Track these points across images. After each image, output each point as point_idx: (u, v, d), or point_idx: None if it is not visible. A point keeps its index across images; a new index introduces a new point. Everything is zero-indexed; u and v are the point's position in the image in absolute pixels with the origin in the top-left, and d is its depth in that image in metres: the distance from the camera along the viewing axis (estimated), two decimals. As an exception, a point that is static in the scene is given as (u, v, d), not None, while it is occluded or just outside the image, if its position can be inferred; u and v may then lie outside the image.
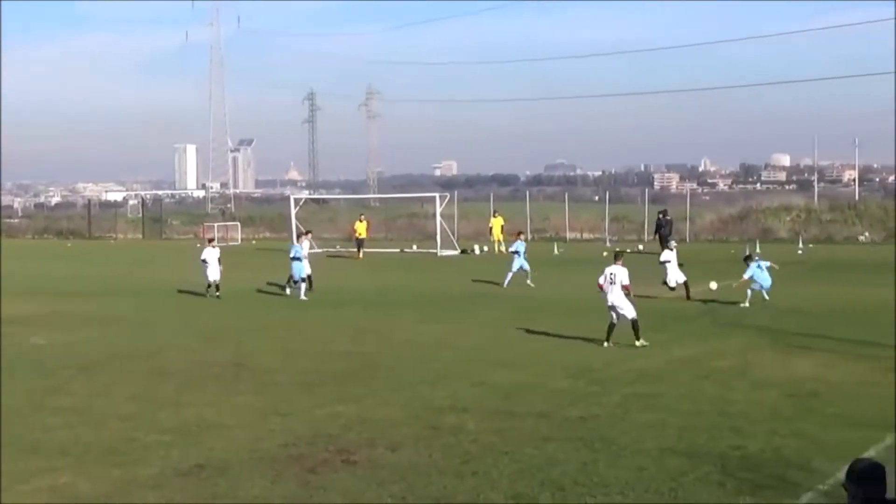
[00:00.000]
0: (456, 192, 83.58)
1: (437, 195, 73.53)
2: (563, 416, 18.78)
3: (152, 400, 20.59)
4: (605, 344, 26.68)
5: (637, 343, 26.53)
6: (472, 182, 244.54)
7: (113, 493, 14.34)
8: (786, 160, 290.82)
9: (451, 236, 68.67)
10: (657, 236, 63.56)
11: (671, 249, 38.28)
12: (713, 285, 35.95)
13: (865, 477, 7.34)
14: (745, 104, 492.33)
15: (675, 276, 37.26)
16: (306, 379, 22.68)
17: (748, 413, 18.96)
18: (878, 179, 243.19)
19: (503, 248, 64.86)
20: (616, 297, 26.96)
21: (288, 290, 39.28)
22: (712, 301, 36.12)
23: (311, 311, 35.80)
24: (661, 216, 64.70)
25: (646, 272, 36.94)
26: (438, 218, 68.11)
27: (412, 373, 23.44)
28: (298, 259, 39.38)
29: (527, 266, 43.32)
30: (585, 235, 79.74)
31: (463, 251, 65.54)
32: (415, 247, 69.00)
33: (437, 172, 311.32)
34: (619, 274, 27.07)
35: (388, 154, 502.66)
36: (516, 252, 43.73)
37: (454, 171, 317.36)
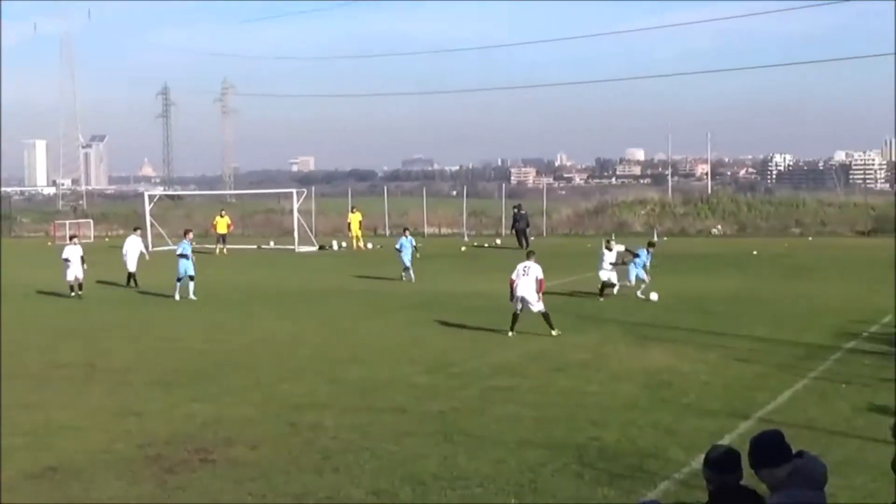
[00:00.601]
0: (313, 188, 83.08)
1: (294, 191, 73.23)
2: (422, 411, 18.83)
3: (2, 403, 20.13)
4: (510, 333, 27.40)
5: (553, 332, 27.22)
6: (329, 177, 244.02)
7: (-36, 497, 14.03)
8: (640, 154, 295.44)
9: (309, 232, 68.38)
10: (513, 231, 64.14)
11: (610, 250, 36.88)
12: (654, 296, 34.78)
13: (721, 463, 7.50)
14: (599, 100, 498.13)
15: (609, 274, 36.23)
16: (161, 378, 22.36)
17: (604, 404, 19.20)
18: (729, 173, 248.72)
19: (361, 244, 64.84)
20: (526, 290, 27.62)
21: (178, 296, 37.66)
22: (570, 295, 36.52)
23: (166, 308, 35.36)
24: (516, 211, 65.29)
25: (506, 266, 37.04)
26: (296, 214, 67.85)
27: (270, 370, 23.29)
28: (186, 256, 38.06)
29: (409, 263, 43.53)
30: (444, 230, 79.90)
31: (321, 247, 65.30)
32: (272, 243, 68.53)
33: (295, 168, 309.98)
34: (533, 268, 27.89)
35: (244, 149, 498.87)
36: (401, 248, 43.83)
37: (311, 167, 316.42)
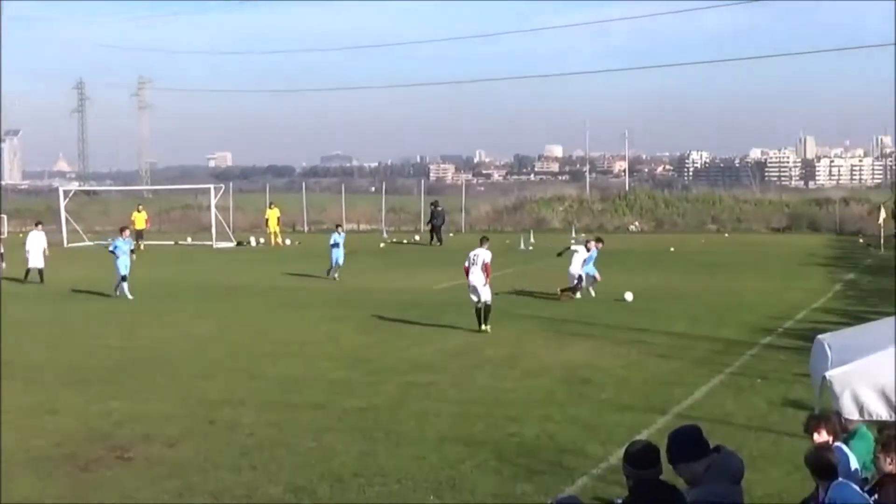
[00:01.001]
0: (231, 184, 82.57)
1: (211, 186, 72.69)
2: (340, 407, 18.78)
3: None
4: (483, 328, 27.21)
5: (482, 327, 27.13)
6: (247, 173, 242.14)
7: None
8: (559, 151, 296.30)
9: (227, 228, 67.94)
10: (430, 227, 64.13)
11: (589, 250, 35.66)
12: (628, 296, 33.59)
13: (641, 459, 7.54)
14: (518, 96, 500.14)
15: (577, 269, 35.08)
16: (77, 375, 22.10)
17: (522, 400, 19.27)
18: (647, 170, 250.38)
19: (279, 240, 64.51)
20: (476, 278, 27.58)
21: (118, 292, 36.58)
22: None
23: (81, 305, 34.92)
24: (433, 207, 65.34)
25: (424, 262, 37.13)
26: (213, 210, 67.38)
27: (187, 367, 23.11)
28: (116, 254, 36.79)
29: (341, 260, 42.62)
30: (362, 227, 79.73)
31: (239, 243, 64.86)
32: (189, 239, 67.94)
33: (212, 163, 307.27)
34: (481, 255, 27.80)
35: (161, 145, 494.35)
36: (335, 244, 42.64)
37: (229, 163, 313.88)
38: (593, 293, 34.95)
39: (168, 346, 26.02)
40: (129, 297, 35.96)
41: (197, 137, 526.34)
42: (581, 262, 35.05)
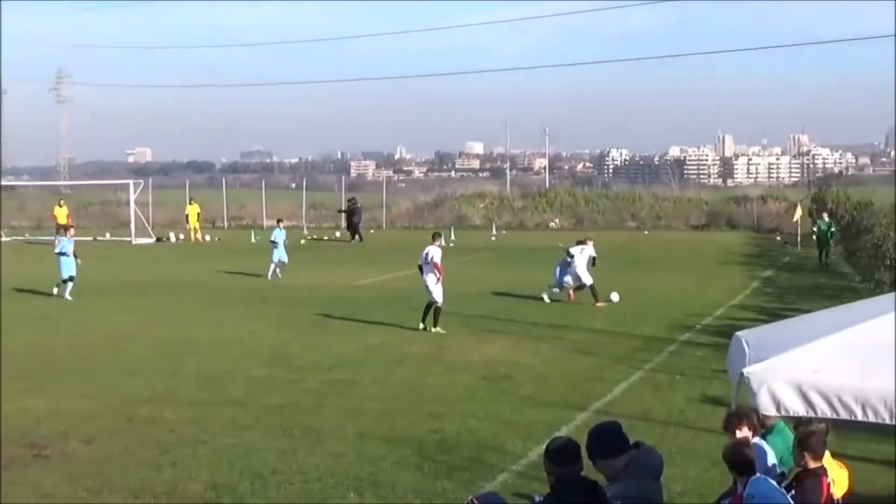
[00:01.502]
0: (150, 179, 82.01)
1: (131, 182, 72.21)
2: (261, 405, 18.72)
3: None
4: (433, 329, 26.86)
5: (433, 329, 26.80)
6: (166, 169, 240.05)
7: None
8: (479, 148, 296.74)
9: (146, 224, 67.46)
10: (348, 223, 64.09)
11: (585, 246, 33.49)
12: (614, 296, 32.38)
13: (561, 455, 7.57)
14: (439, 93, 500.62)
15: (584, 275, 32.86)
16: (-6, 372, 21.83)
17: (444, 396, 19.32)
18: (567, 168, 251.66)
19: (199, 236, 64.14)
20: (428, 278, 27.31)
21: (56, 290, 35.61)
22: (410, 286, 36.61)
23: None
24: (350, 204, 65.37)
25: (344, 259, 37.03)
26: (133, 205, 66.91)
27: (106, 363, 22.92)
28: (65, 254, 35.42)
29: (285, 257, 41.46)
30: (283, 223, 79.42)
31: (158, 239, 64.42)
32: (108, 235, 67.33)
33: (131, 159, 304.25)
34: (431, 253, 27.30)
35: (79, 140, 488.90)
36: (275, 242, 41.48)
37: (148, 158, 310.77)
38: (547, 299, 33.08)
39: (86, 342, 25.76)
40: (70, 298, 34.33)
41: (116, 133, 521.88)
42: (584, 263, 32.99)
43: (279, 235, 41.56)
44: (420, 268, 27.77)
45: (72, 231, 37.77)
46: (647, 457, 7.79)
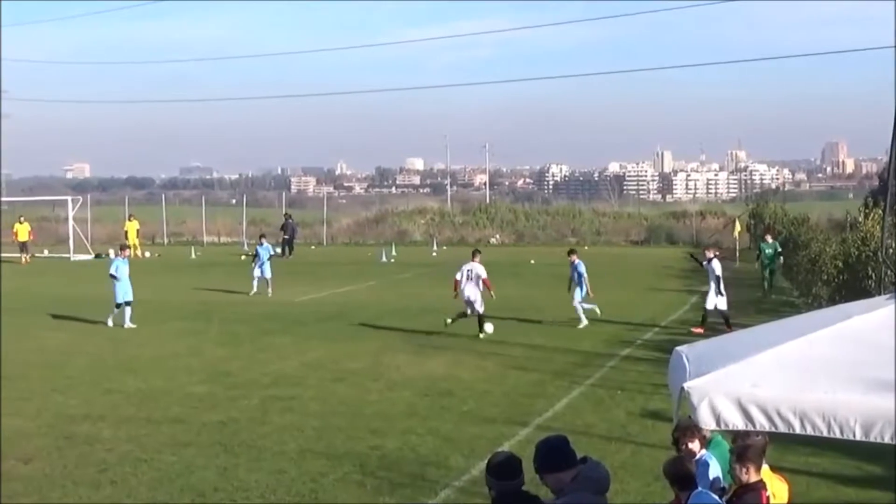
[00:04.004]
0: (89, 196, 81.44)
1: (69, 198, 71.51)
2: (200, 422, 18.60)
3: None
4: (482, 335, 28.46)
5: (481, 335, 28.41)
6: (105, 185, 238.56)
7: None
8: (420, 164, 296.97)
9: (85, 240, 66.89)
10: (283, 239, 63.96)
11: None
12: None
13: (503, 469, 7.59)
14: (379, 109, 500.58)
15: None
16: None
17: (385, 413, 19.30)
18: (507, 183, 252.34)
19: (139, 253, 63.70)
20: (471, 292, 28.94)
21: (110, 321, 33.47)
22: (350, 302, 36.58)
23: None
24: (285, 219, 65.39)
25: (284, 272, 36.79)
26: (71, 222, 66.33)
27: (42, 381, 22.69)
28: (116, 278, 32.30)
29: (268, 273, 40.70)
30: (223, 239, 79.17)
31: (97, 255, 63.89)
32: (46, 251, 66.73)
33: (69, 175, 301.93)
34: (475, 270, 29.15)
35: (16, 155, 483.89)
36: (257, 256, 41.07)
37: (87, 174, 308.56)
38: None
39: (21, 359, 25.46)
40: (132, 325, 31.39)
41: (54, 148, 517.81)
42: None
43: (264, 252, 41.03)
44: (456, 282, 29.32)
45: (128, 251, 34.71)
46: (594, 471, 7.81)
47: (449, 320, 28.74)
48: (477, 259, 29.63)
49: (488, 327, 28.66)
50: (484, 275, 29.04)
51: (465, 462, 15.64)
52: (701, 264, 32.00)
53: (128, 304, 31.86)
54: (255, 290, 40.30)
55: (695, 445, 10.03)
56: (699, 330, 28.66)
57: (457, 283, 29.25)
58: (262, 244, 41.88)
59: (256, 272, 40.70)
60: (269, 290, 40.21)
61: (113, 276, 32.20)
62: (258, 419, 18.85)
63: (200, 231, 78.23)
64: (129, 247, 33.23)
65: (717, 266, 30.30)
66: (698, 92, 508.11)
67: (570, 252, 33.48)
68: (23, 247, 61.08)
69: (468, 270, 29.09)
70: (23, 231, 62.10)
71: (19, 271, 54.27)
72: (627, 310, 34.04)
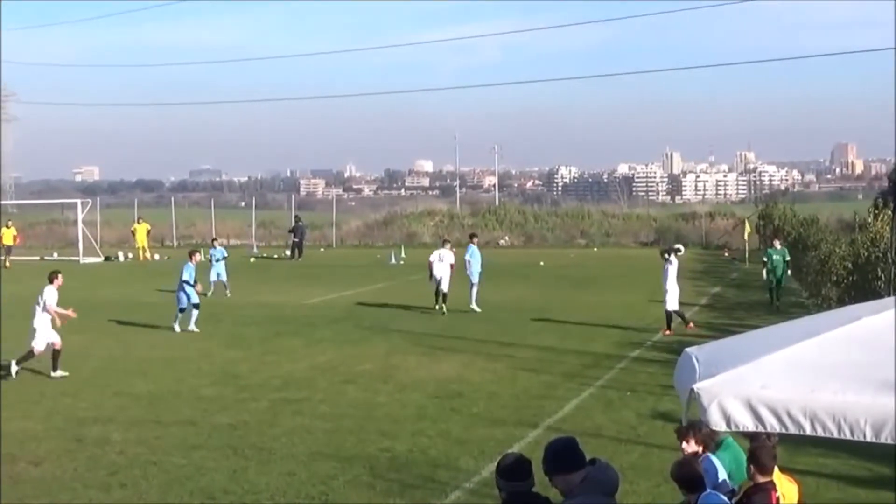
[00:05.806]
0: (98, 198, 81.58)
1: (78, 201, 71.55)
2: (211, 424, 18.61)
3: None
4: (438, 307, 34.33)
5: (443, 313, 33.76)
6: (115, 188, 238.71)
7: None
8: (429, 166, 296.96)
9: (94, 243, 66.98)
10: (292, 242, 63.96)
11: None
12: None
13: (513, 471, 7.59)
14: (388, 111, 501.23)
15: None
16: (-62, 394, 21.56)
17: (395, 415, 19.28)
18: (516, 185, 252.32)
19: (148, 255, 63.79)
20: (442, 272, 34.61)
21: (177, 326, 33.82)
22: (359, 304, 36.59)
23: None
24: (295, 222, 65.36)
25: (294, 277, 36.83)
26: (80, 224, 66.38)
27: (53, 384, 22.75)
28: (190, 283, 32.07)
29: (224, 276, 41.38)
30: (232, 241, 79.18)
31: (107, 258, 64.03)
32: (56, 254, 66.81)
33: (79, 178, 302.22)
34: (446, 255, 35.13)
35: (26, 158, 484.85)
36: (214, 259, 41.53)
37: (96, 177, 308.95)
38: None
39: (32, 363, 25.46)
40: (196, 329, 31.23)
41: (63, 151, 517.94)
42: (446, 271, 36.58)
43: (216, 254, 41.87)
44: (430, 264, 35.24)
45: (197, 256, 34.08)
46: (603, 473, 7.79)
47: (439, 307, 33.37)
48: (447, 247, 36.13)
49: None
50: (452, 260, 35.05)
51: (475, 464, 15.63)
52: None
53: (195, 306, 31.64)
54: (212, 289, 40.56)
55: (691, 446, 10.01)
56: (668, 332, 29.31)
57: (431, 265, 34.99)
58: (214, 247, 42.58)
59: (213, 275, 41.18)
60: (227, 291, 40.92)
61: (188, 283, 31.72)
62: (268, 421, 18.85)
63: (209, 234, 78.14)
64: (198, 251, 33.06)
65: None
66: (707, 93, 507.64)
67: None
68: (7, 250, 60.94)
69: (439, 255, 35.16)
70: (7, 235, 61.83)
71: (30, 273, 54.28)
72: (637, 311, 34.05)
